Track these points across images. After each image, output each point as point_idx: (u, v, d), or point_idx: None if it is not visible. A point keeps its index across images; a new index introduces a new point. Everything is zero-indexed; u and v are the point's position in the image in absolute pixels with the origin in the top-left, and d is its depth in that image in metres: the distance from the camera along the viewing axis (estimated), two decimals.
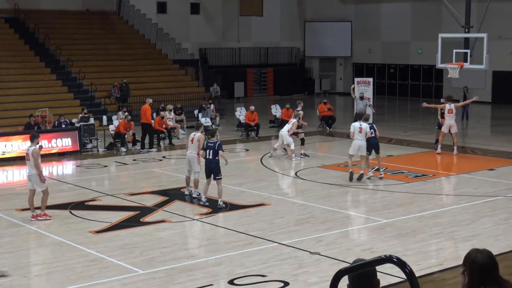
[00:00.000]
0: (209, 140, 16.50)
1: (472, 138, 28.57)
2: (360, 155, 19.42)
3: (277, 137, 27.92)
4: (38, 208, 15.32)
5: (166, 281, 11.40)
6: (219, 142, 16.54)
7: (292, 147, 22.44)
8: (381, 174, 19.69)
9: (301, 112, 23.97)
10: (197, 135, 17.28)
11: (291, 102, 29.30)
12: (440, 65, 26.02)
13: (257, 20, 46.39)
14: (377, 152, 19.85)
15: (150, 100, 26.38)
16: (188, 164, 17.44)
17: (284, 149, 23.28)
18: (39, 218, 15.23)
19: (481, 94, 39.28)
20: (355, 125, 19.41)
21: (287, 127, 22.77)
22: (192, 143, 17.23)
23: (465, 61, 25.00)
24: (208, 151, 16.29)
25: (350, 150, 19.55)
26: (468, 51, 25.03)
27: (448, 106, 23.38)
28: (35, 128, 24.70)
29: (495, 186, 18.65)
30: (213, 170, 16.34)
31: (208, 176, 16.51)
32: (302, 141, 23.39)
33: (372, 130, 19.63)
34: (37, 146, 15.54)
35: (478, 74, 36.78)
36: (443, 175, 20.38)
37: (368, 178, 19.29)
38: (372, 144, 19.65)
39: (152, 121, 25.65)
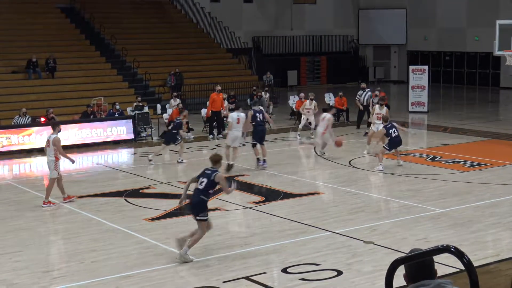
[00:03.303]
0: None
1: None
2: (232, 146, 19.28)
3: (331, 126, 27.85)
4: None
5: (220, 269, 11.45)
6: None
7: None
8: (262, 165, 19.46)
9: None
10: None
11: (344, 90, 29.13)
12: (497, 53, 25.53)
13: (311, 8, 46.14)
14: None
15: (219, 87, 26.45)
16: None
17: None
18: (43, 205, 15.65)
19: None
20: (233, 115, 19.55)
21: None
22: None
23: None
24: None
25: (227, 141, 19.59)
26: None
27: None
28: (91, 117, 25.07)
29: None
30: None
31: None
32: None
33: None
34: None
35: None
36: (500, 164, 20.00)
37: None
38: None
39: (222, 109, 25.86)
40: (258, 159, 19.62)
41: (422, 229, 13.57)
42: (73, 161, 16.43)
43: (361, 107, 26.91)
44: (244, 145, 21.77)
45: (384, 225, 13.81)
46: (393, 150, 19.58)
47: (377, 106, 22.38)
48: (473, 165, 19.82)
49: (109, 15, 37.09)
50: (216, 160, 12.26)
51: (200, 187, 11.97)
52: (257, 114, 19.56)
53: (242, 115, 19.57)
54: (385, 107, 22.00)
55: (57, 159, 15.74)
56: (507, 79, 40.80)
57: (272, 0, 44.89)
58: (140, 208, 15.54)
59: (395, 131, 19.26)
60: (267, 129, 20.23)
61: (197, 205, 11.93)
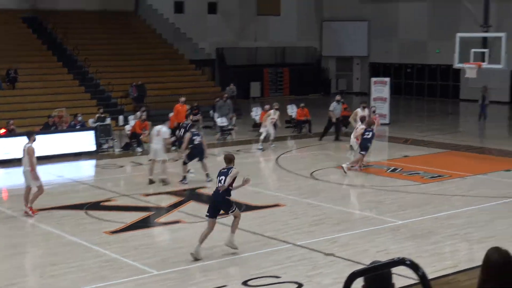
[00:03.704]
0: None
1: (488, 139, 28.45)
2: (157, 159, 19.32)
3: (293, 137, 28.03)
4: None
5: (180, 282, 11.44)
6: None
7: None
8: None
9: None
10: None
11: (306, 102, 29.28)
12: (457, 65, 25.93)
13: (274, 20, 46.36)
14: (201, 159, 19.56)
15: (183, 99, 26.42)
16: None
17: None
18: (26, 212, 15.55)
19: (498, 94, 39.13)
20: (155, 128, 19.67)
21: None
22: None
23: (483, 60, 24.86)
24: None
25: (149, 154, 19.61)
26: (487, 50, 24.89)
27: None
28: (52, 128, 24.87)
29: (511, 187, 18.53)
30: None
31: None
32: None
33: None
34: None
35: (496, 74, 36.52)
36: (459, 175, 20.28)
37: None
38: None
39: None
40: (184, 176, 19.46)
41: (382, 241, 13.70)
42: (35, 177, 16.10)
43: (333, 119, 27.13)
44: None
45: (345, 237, 13.92)
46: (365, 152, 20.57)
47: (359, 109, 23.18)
48: (432, 177, 20.06)
49: (72, 26, 36.84)
50: (230, 159, 13.34)
51: (220, 184, 12.90)
52: (195, 137, 19.47)
53: (164, 129, 19.49)
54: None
55: (32, 168, 15.58)
56: (467, 91, 41.39)
57: (236, 12, 45.03)
58: (101, 221, 15.44)
59: (370, 135, 20.37)
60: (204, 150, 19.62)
61: (224, 204, 12.99)
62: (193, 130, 19.88)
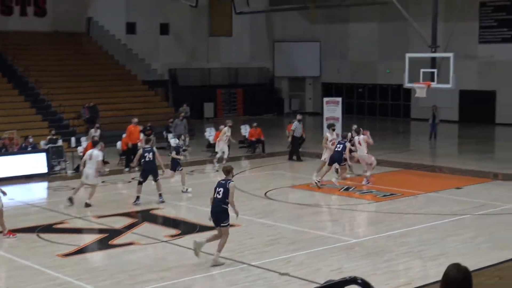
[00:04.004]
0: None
1: (439, 157, 28.90)
2: (89, 183, 19.36)
3: (247, 157, 28.08)
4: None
5: None
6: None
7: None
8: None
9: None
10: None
11: (260, 122, 29.37)
12: (407, 85, 26.27)
13: (227, 40, 46.54)
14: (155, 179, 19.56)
15: (136, 120, 26.40)
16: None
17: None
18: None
19: (448, 113, 39.87)
20: (89, 152, 19.64)
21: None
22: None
23: (432, 80, 25.26)
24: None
25: (83, 178, 19.53)
26: (435, 70, 25.31)
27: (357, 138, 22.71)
28: (2, 150, 24.52)
29: (462, 205, 18.84)
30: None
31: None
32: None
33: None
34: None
35: (445, 93, 37.18)
36: (411, 194, 20.54)
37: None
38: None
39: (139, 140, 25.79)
40: (138, 197, 19.31)
41: (336, 260, 13.78)
42: (4, 193, 15.91)
43: (290, 139, 27.27)
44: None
45: (299, 256, 13.96)
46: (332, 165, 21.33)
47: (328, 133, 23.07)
48: (385, 195, 20.28)
49: (23, 47, 36.46)
50: (228, 170, 13.83)
51: (219, 196, 13.42)
52: (146, 154, 19.43)
53: (96, 152, 19.40)
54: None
55: None
56: (418, 110, 42.02)
57: (188, 33, 45.07)
58: (53, 243, 15.23)
59: (340, 148, 21.00)
60: (157, 166, 19.63)
61: (220, 214, 13.38)
62: (146, 146, 19.83)
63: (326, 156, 22.12)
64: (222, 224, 13.39)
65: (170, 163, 21.42)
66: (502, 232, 15.96)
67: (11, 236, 15.63)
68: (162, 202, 19.19)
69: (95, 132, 26.64)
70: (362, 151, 22.07)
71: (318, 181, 21.04)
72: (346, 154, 21.61)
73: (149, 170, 19.36)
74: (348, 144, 21.72)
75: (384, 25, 44.24)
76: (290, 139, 27.34)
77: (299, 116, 28.57)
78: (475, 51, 40.45)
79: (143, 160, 19.42)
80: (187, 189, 20.72)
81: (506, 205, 18.80)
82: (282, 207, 19.00)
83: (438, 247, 14.55)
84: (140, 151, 19.68)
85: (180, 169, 20.92)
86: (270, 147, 28.90)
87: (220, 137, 25.87)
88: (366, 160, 22.18)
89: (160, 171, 19.93)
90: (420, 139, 36.12)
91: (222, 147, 25.40)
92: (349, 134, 23.16)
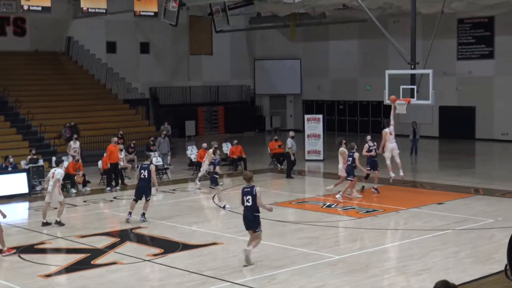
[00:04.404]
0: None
1: (420, 173, 29.02)
2: (54, 202, 19.32)
3: (229, 175, 28.04)
4: None
5: None
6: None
7: None
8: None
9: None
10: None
11: (241, 139, 29.38)
12: (388, 101, 26.39)
13: (207, 59, 46.65)
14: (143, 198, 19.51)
15: (115, 139, 26.38)
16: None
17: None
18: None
19: (428, 129, 40.12)
20: (51, 171, 19.55)
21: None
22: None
23: (412, 97, 25.41)
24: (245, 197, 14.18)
25: (47, 198, 19.40)
26: (415, 87, 25.46)
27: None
28: None
29: (444, 220, 18.92)
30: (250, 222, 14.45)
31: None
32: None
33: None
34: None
35: (425, 109, 37.43)
36: (393, 210, 20.61)
37: None
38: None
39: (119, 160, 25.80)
40: (130, 212, 19.28)
41: (320, 277, 13.76)
42: (4, 216, 15.91)
43: (292, 157, 27.31)
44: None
45: (283, 274, 13.93)
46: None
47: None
48: (367, 211, 20.34)
49: (2, 67, 36.28)
50: (249, 177, 14.15)
51: (248, 204, 13.90)
52: (142, 171, 19.35)
53: (58, 171, 19.28)
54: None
55: None
56: (398, 126, 42.17)
57: (169, 51, 45.12)
58: (35, 264, 15.10)
59: (350, 160, 21.98)
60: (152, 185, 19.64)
61: (253, 221, 14.10)
62: (145, 162, 19.72)
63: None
64: (256, 231, 14.20)
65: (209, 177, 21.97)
66: (485, 246, 16.04)
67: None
68: (144, 221, 19.11)
69: (74, 144, 26.67)
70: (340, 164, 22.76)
71: (348, 194, 22.17)
72: (357, 164, 22.12)
73: (142, 187, 19.28)
74: (357, 154, 22.12)
75: (364, 42, 44.55)
76: (292, 157, 27.39)
77: (291, 133, 28.69)
78: (454, 67, 40.82)
79: (138, 177, 19.41)
80: (224, 205, 20.94)
81: (487, 219, 18.92)
82: (265, 224, 18.91)
83: (421, 262, 14.59)
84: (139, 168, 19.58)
85: (218, 185, 21.30)
86: (251, 165, 28.87)
87: (205, 158, 25.68)
88: (342, 174, 22.49)
89: (153, 189, 19.89)
90: (401, 154, 36.20)
91: (207, 168, 25.28)
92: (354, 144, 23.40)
